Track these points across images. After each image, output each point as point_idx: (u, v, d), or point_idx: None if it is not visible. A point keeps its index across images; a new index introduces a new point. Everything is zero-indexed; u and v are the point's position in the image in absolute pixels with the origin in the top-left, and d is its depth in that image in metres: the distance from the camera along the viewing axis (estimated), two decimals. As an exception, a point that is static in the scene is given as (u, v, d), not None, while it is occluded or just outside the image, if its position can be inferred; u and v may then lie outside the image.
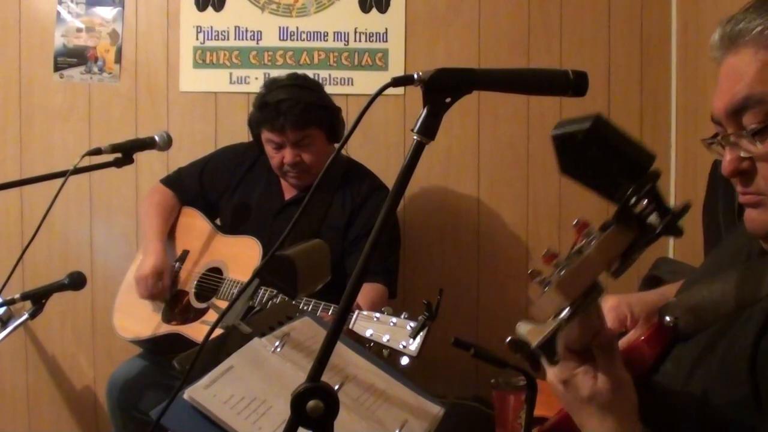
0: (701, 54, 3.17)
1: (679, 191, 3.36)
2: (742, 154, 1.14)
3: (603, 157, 0.93)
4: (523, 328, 1.00)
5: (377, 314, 2.12)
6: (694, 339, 1.26)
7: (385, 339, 2.06)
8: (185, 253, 2.97)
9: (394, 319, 2.08)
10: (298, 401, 1.03)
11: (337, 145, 2.99)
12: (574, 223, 0.99)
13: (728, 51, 1.15)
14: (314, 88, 2.93)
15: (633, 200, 0.92)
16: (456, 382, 3.45)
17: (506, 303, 3.46)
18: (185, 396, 1.42)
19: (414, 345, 2.01)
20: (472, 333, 3.42)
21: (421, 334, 1.96)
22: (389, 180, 3.37)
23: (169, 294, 2.92)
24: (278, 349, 1.65)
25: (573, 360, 1.10)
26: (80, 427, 3.55)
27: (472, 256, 3.46)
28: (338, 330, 1.09)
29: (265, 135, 2.88)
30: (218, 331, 2.01)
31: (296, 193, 3.01)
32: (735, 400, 1.12)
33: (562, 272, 0.94)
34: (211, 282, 2.86)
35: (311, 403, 1.03)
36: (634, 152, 0.96)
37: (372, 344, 2.09)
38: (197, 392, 1.44)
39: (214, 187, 3.10)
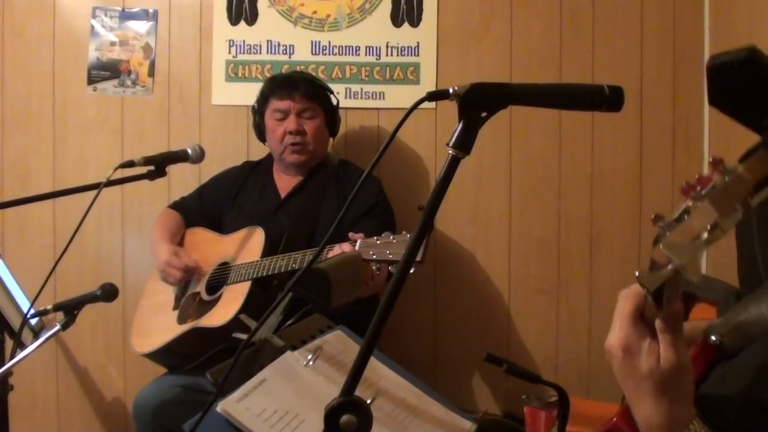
0: (735, 67, 3.13)
1: (713, 206, 3.32)
2: None
3: (755, 86, 0.94)
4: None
5: (377, 239, 2.18)
6: (739, 356, 1.24)
7: (389, 255, 2.11)
8: (195, 262, 2.99)
9: (393, 237, 2.15)
10: (331, 415, 1.03)
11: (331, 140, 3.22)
12: (710, 160, 0.99)
13: None
14: (321, 82, 3.16)
15: None
16: (486, 398, 3.43)
17: (537, 318, 3.43)
18: (218, 409, 1.43)
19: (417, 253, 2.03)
20: (503, 348, 3.40)
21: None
22: (421, 194, 3.37)
23: (185, 289, 2.96)
24: (311, 363, 1.65)
25: (641, 329, 1.07)
26: (110, 439, 3.57)
27: (503, 270, 3.44)
28: (372, 344, 1.09)
29: (273, 106, 3.05)
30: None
31: (291, 190, 3.11)
32: None
33: (711, 190, 0.93)
34: (220, 274, 2.90)
35: (345, 418, 1.03)
36: None
37: (379, 264, 2.14)
38: (230, 405, 1.44)
39: (214, 205, 3.21)
